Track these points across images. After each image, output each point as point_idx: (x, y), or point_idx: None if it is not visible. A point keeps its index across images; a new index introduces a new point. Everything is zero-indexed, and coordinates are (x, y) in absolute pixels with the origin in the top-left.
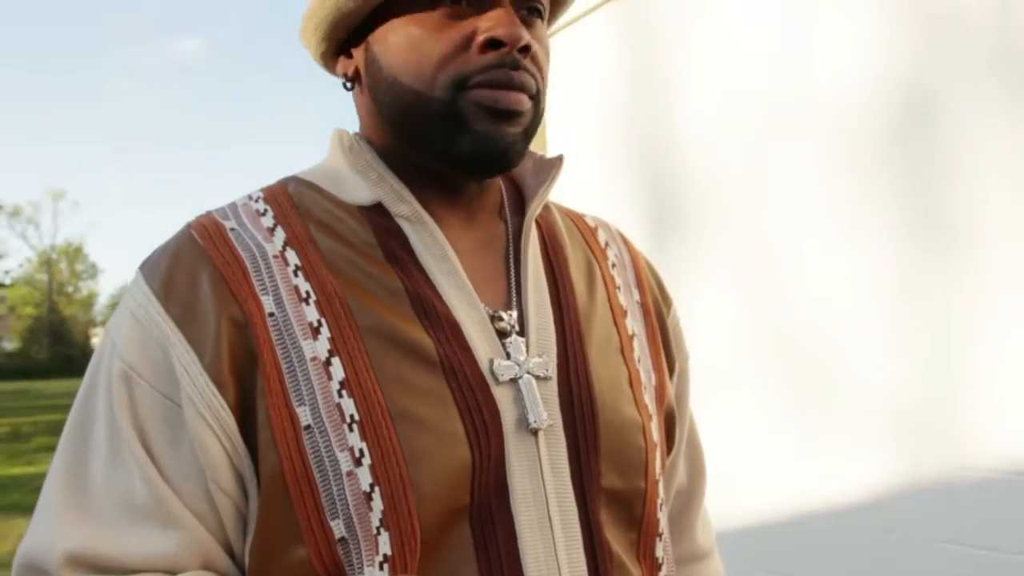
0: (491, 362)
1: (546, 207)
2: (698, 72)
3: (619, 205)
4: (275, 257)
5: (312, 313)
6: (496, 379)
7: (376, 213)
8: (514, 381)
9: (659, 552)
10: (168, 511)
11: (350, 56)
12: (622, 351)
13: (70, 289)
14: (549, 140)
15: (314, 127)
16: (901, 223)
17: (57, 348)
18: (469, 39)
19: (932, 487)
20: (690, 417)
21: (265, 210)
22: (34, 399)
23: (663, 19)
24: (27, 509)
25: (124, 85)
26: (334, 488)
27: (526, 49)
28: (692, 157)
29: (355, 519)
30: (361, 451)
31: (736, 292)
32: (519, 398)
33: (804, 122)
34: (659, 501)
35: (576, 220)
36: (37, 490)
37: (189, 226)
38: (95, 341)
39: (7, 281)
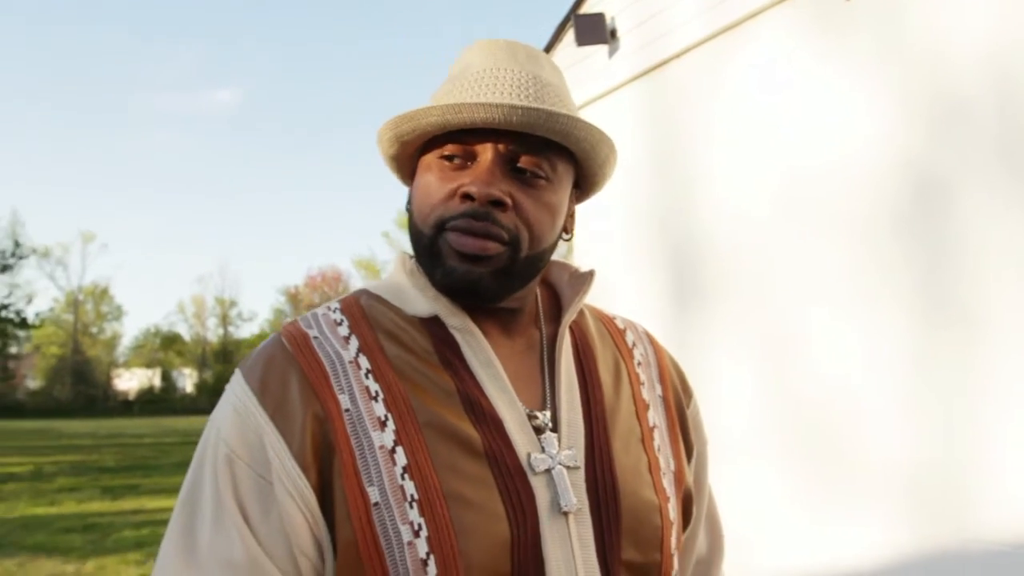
0: (528, 455)
1: (580, 312)
2: (718, 147)
3: (641, 276)
4: (350, 362)
5: (380, 409)
6: (532, 469)
7: (433, 324)
8: (548, 471)
9: None
10: (262, 570)
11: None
12: (643, 441)
13: (94, 330)
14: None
15: (344, 176)
16: (913, 299)
17: (79, 388)
18: (456, 191)
19: (942, 558)
20: (709, 494)
21: (341, 320)
22: (55, 438)
23: (685, 96)
24: (52, 549)
25: (159, 132)
26: (396, 555)
27: (498, 203)
28: (712, 230)
29: None
30: (419, 525)
31: (754, 363)
32: (552, 485)
33: (821, 198)
34: (673, 572)
35: (607, 323)
36: (62, 530)
37: (280, 334)
38: (117, 382)
39: (37, 323)
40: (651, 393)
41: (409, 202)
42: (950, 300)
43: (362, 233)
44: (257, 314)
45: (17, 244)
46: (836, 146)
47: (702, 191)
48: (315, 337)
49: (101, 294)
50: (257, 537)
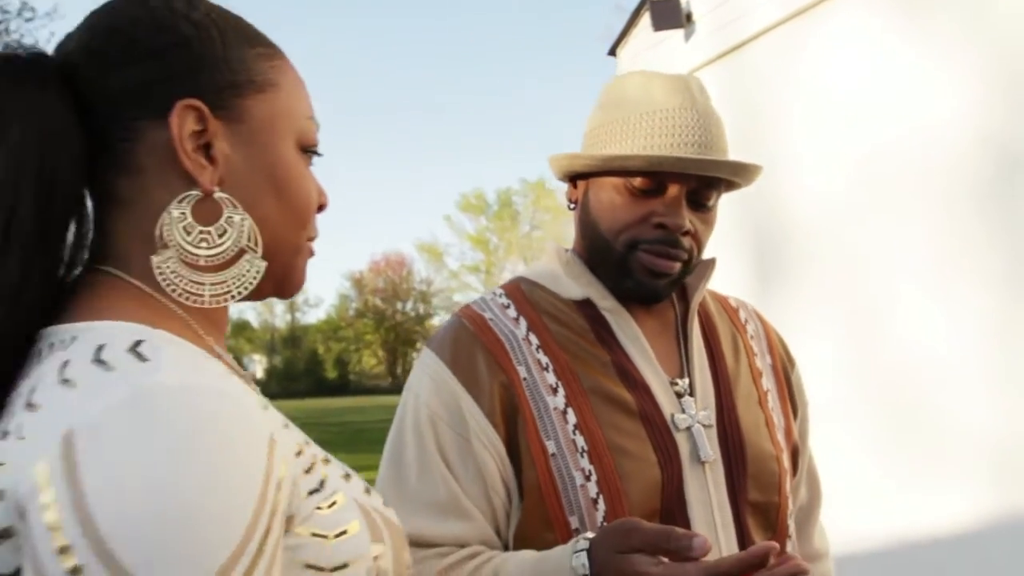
0: (672, 415)
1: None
2: (798, 128)
3: (725, 255)
4: (523, 339)
5: (551, 378)
6: (676, 427)
7: (585, 306)
8: (688, 428)
9: (788, 550)
10: (463, 507)
11: (575, 186)
12: (760, 403)
13: None
14: None
15: (404, 160)
16: (995, 271)
17: None
18: (647, 217)
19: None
20: (809, 451)
21: (508, 304)
22: None
23: (763, 78)
24: None
25: None
26: (571, 495)
27: (686, 232)
28: (794, 208)
29: (586, 516)
30: (590, 471)
31: (837, 337)
32: (691, 439)
33: (901, 176)
34: (789, 511)
35: (723, 302)
36: None
37: (460, 317)
38: None
39: None
40: (763, 362)
41: (573, 201)
42: None
43: (424, 217)
44: (323, 299)
45: None
46: (916, 125)
47: (782, 171)
48: (490, 319)
49: None
50: (458, 482)
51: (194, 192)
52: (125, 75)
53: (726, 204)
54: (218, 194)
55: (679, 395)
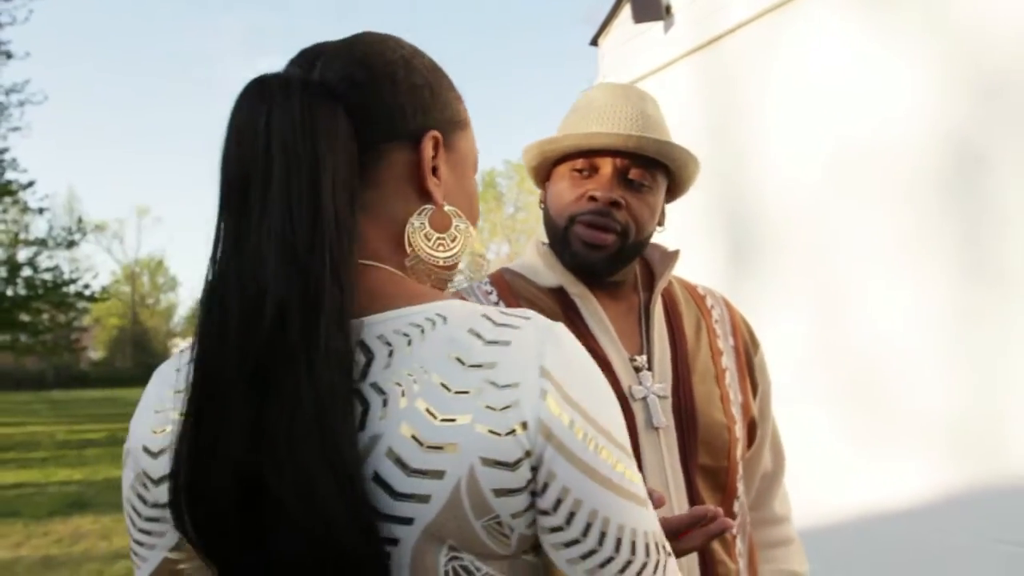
0: (630, 387)
1: (668, 281)
2: (773, 118)
3: (699, 241)
4: None
5: None
6: (633, 397)
7: (558, 292)
8: (644, 399)
9: (735, 509)
10: None
11: (544, 187)
12: (717, 379)
13: (151, 301)
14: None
15: None
16: (955, 260)
17: (139, 358)
18: (584, 194)
19: (980, 493)
20: (773, 423)
21: (491, 290)
22: (123, 406)
23: (742, 70)
24: None
25: (204, 102)
26: None
27: (616, 204)
28: (766, 197)
29: None
30: None
31: (804, 320)
32: (646, 408)
33: (869, 166)
34: (738, 476)
35: (690, 290)
36: None
37: None
38: (174, 351)
39: (104, 296)
40: (725, 343)
41: (542, 201)
42: (991, 260)
43: None
44: None
45: (80, 220)
46: (883, 119)
47: (756, 159)
48: None
49: (156, 266)
50: None
51: (429, 206)
52: (385, 106)
53: (701, 193)
54: (448, 207)
55: (637, 369)
